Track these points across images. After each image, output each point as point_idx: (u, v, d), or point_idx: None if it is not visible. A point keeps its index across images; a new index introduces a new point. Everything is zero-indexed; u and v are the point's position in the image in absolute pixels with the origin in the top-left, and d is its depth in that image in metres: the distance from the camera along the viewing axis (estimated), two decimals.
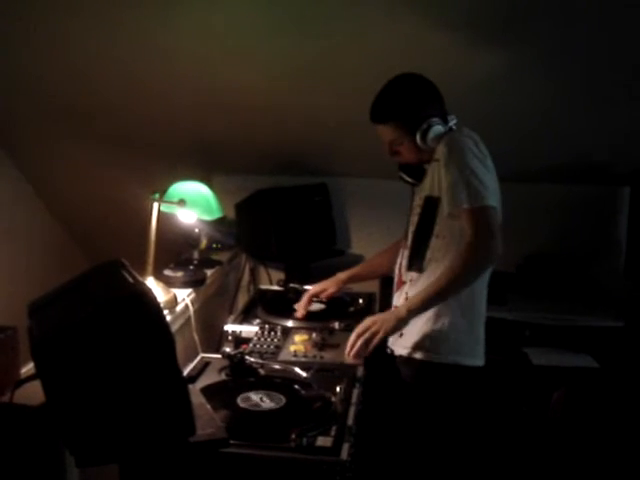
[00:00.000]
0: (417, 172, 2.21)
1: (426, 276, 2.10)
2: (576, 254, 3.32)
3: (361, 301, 2.69)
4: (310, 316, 2.49)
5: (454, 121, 2.15)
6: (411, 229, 2.22)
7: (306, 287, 2.73)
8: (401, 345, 2.16)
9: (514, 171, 3.10)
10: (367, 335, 1.99)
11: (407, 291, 2.16)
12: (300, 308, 2.47)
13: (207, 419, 1.52)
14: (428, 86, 2.15)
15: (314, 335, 2.25)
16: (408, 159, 2.21)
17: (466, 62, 2.50)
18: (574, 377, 2.74)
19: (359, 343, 2.00)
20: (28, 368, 1.61)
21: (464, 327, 2.10)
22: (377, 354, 2.11)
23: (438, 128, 2.09)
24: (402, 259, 2.25)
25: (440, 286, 1.96)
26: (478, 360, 2.15)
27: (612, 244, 3.35)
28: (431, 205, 2.13)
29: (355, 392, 1.84)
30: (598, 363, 2.78)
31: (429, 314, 2.08)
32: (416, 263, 2.15)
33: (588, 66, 2.49)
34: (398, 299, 2.21)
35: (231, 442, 1.47)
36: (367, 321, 2.04)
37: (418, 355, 2.12)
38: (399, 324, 2.00)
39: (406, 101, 2.14)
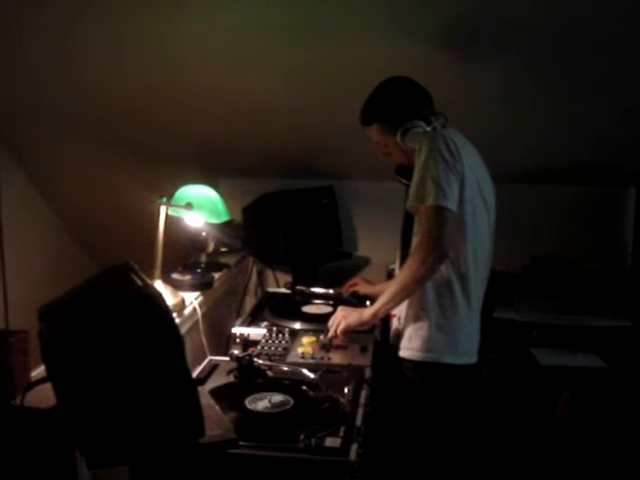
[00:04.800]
0: (411, 173, 2.19)
1: None
2: (583, 254, 3.32)
3: (368, 303, 2.69)
4: (318, 318, 2.50)
5: (439, 121, 2.13)
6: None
7: (313, 289, 2.75)
8: (400, 346, 2.19)
9: (519, 173, 3.12)
10: (332, 323, 2.21)
11: None
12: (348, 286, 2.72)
13: (216, 420, 1.53)
14: (412, 88, 2.16)
15: (321, 337, 2.26)
16: (398, 160, 2.24)
17: (467, 76, 2.51)
18: (582, 377, 2.74)
19: (331, 327, 2.20)
20: (39, 371, 1.63)
21: (446, 327, 2.09)
22: (385, 354, 2.12)
23: (417, 130, 2.10)
24: (397, 259, 2.28)
25: (396, 289, 2.03)
26: (464, 358, 2.15)
27: (618, 244, 3.34)
28: None
29: (363, 393, 1.84)
30: (605, 363, 2.77)
31: (412, 316, 2.13)
32: (404, 262, 2.17)
33: (591, 70, 2.48)
34: None
35: (240, 443, 1.48)
36: (339, 310, 2.24)
37: (407, 355, 2.15)
38: (361, 323, 2.13)
39: (387, 103, 2.17)
